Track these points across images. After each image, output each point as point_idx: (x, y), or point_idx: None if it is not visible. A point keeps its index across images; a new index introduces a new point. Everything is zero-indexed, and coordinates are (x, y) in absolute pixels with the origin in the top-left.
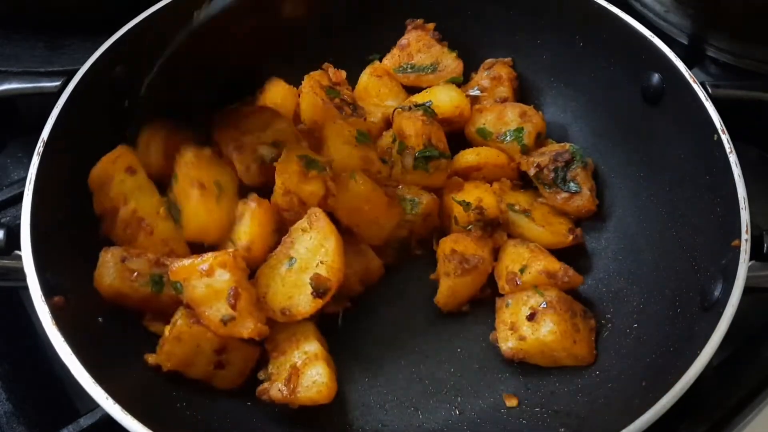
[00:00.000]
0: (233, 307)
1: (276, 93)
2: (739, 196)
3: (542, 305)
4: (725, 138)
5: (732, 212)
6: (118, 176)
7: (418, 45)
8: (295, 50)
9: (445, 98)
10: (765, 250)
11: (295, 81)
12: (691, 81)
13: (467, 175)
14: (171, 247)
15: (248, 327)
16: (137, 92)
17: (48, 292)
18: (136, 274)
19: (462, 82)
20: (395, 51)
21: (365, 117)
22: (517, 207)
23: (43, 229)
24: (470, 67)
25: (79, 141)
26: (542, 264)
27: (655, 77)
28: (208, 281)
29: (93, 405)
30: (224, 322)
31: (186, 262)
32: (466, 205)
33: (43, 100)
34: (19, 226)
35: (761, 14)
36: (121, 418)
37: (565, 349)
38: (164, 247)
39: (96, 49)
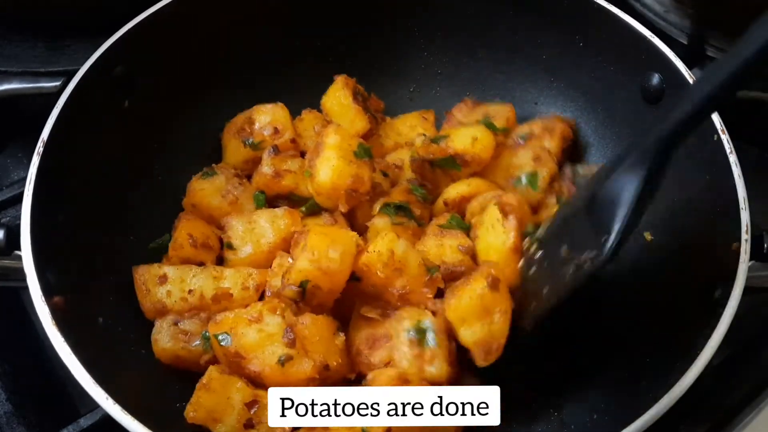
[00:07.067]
0: (291, 344)
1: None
2: (739, 196)
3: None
4: (725, 138)
5: (732, 212)
6: None
7: (460, 114)
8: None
9: (466, 134)
10: (765, 250)
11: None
12: (691, 81)
13: (460, 205)
14: None
15: (307, 365)
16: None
17: (48, 292)
18: (188, 335)
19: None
20: (445, 125)
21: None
22: None
23: (43, 229)
24: (470, 67)
25: (79, 141)
26: None
27: (655, 77)
28: (258, 327)
29: (93, 405)
30: (281, 362)
31: (230, 313)
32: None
33: (43, 100)
34: (19, 226)
35: (760, 14)
36: (121, 418)
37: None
38: None
39: (96, 49)
